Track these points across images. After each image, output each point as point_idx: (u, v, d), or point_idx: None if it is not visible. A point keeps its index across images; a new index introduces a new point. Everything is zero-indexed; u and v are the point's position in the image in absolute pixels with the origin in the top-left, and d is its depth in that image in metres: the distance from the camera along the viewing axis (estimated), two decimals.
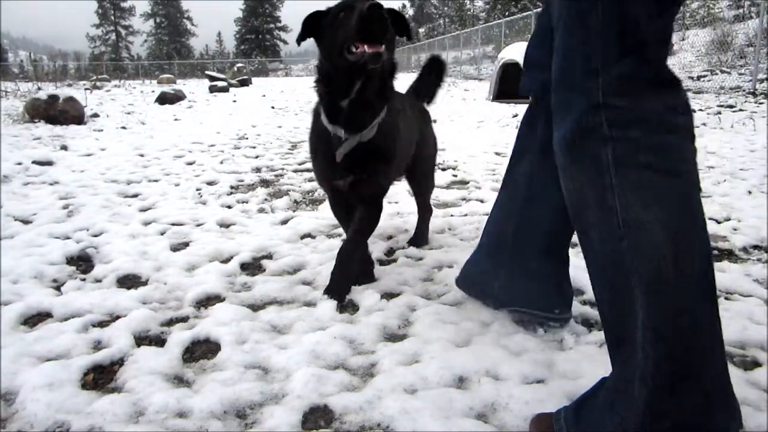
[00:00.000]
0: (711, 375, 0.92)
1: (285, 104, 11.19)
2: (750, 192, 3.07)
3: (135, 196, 3.29)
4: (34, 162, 4.13)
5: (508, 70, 9.20)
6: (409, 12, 60.32)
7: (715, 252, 2.20)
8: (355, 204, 1.87)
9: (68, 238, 2.41)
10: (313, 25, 1.66)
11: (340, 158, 1.70)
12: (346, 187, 1.78)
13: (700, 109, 7.30)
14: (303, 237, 2.46)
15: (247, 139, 5.87)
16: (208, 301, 1.81)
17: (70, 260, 2.16)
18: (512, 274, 1.52)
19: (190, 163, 4.39)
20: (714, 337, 0.93)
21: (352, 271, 1.84)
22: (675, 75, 0.94)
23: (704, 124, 6.04)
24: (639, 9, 0.89)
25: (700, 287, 0.91)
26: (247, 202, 3.13)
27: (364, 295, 1.78)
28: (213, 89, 15.62)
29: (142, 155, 4.72)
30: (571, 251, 2.19)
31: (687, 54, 13.91)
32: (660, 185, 0.91)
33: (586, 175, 0.96)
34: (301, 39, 1.68)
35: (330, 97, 1.67)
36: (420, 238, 2.35)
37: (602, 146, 0.92)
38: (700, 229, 0.93)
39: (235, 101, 12.15)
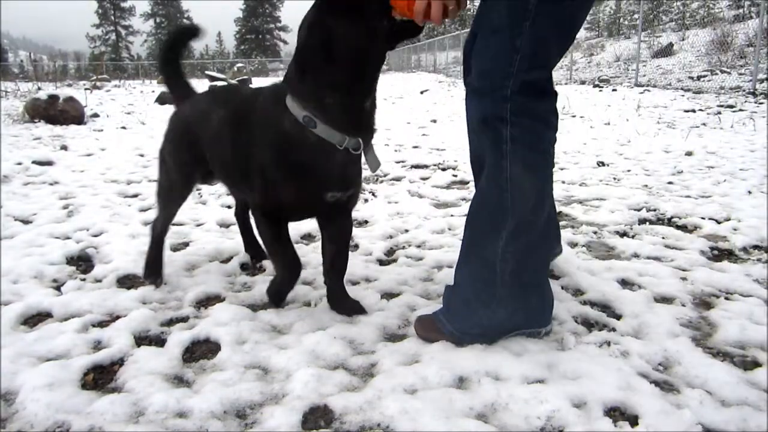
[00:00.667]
0: (543, 283, 1.48)
1: None
2: (750, 192, 3.07)
3: (135, 196, 3.29)
4: (34, 162, 4.13)
5: None
6: None
7: (715, 252, 2.21)
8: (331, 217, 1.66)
9: (68, 238, 2.41)
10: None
11: (376, 169, 1.50)
12: (344, 199, 1.56)
13: (700, 109, 7.30)
14: (303, 237, 2.46)
15: None
16: (208, 301, 1.81)
17: (70, 260, 2.16)
18: None
19: None
20: (545, 260, 1.56)
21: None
22: (555, 89, 1.38)
23: (704, 124, 6.04)
24: (551, 44, 1.30)
25: (542, 230, 1.43)
26: None
27: (364, 295, 1.78)
28: None
29: (142, 155, 4.72)
30: (574, 256, 2.19)
31: (687, 54, 13.91)
32: (535, 159, 1.35)
33: (490, 143, 1.34)
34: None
35: (350, 101, 1.39)
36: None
37: (504, 126, 1.30)
38: (550, 191, 1.47)
39: None
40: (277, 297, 1.73)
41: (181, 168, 1.83)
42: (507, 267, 1.39)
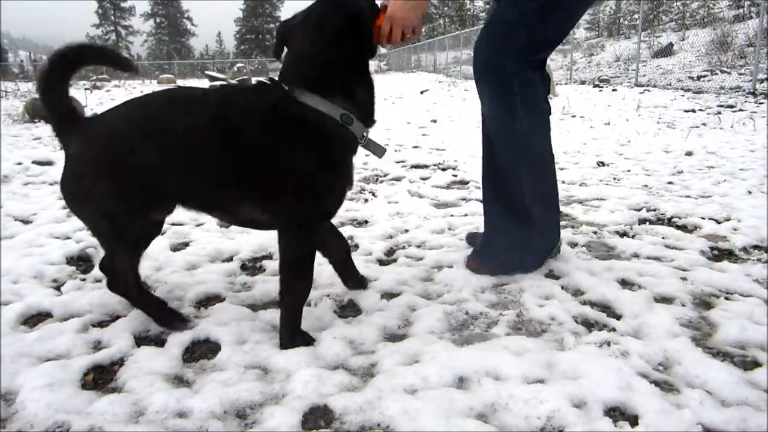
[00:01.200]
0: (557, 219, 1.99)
1: None
2: (750, 192, 3.07)
3: None
4: (34, 162, 4.13)
5: None
6: None
7: (715, 252, 2.21)
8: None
9: (68, 238, 2.41)
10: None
11: (383, 154, 1.57)
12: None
13: (700, 109, 7.30)
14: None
15: None
16: (208, 301, 1.81)
17: (70, 260, 2.16)
18: None
19: None
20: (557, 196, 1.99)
21: None
22: (548, 73, 1.84)
23: (704, 124, 6.04)
24: (549, 39, 1.75)
25: (554, 175, 1.95)
26: None
27: (364, 295, 1.78)
28: None
29: None
30: (574, 256, 2.18)
31: (687, 54, 13.91)
32: (540, 119, 1.81)
33: (505, 109, 1.76)
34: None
35: (371, 93, 1.51)
36: None
37: (515, 95, 1.72)
38: (552, 156, 1.93)
39: None
40: (298, 328, 1.50)
41: (127, 198, 1.45)
42: (542, 212, 1.86)
